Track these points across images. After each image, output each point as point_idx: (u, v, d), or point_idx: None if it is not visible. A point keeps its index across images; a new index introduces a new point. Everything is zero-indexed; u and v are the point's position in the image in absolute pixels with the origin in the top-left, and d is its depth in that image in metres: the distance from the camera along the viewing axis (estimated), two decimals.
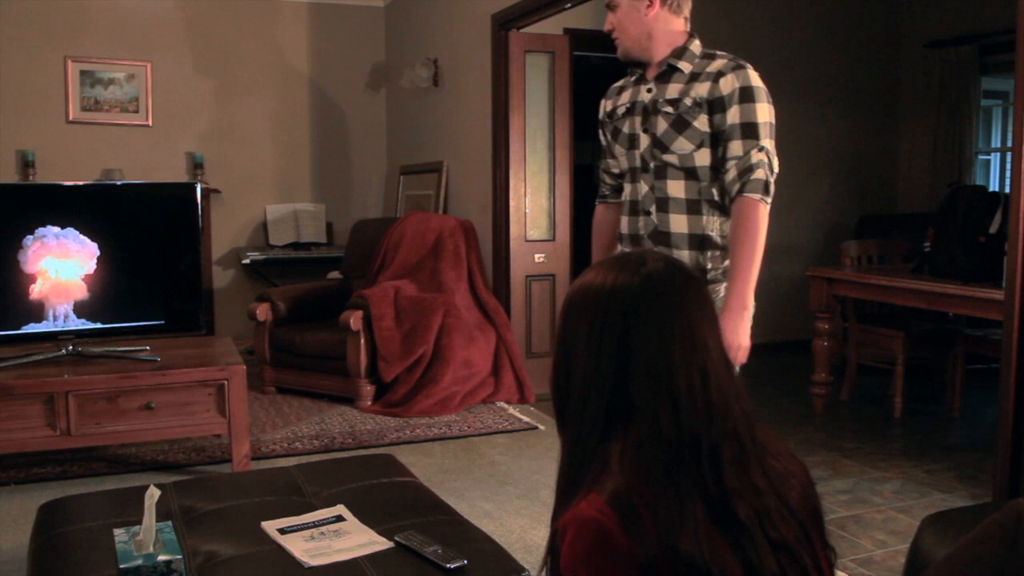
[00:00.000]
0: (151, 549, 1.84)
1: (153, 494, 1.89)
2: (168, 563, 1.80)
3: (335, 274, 6.02)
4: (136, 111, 6.16)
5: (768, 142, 2.17)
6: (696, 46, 2.29)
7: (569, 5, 4.73)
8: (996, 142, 6.39)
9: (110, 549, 1.90)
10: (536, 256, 5.20)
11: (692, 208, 2.23)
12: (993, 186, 6.25)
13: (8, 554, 2.90)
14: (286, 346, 5.02)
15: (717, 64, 2.21)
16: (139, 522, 1.91)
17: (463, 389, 4.75)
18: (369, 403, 4.76)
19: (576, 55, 5.30)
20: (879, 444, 4.17)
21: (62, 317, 3.63)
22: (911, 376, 4.69)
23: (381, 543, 1.99)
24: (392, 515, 2.15)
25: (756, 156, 2.14)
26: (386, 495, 2.32)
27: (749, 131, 2.15)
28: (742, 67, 2.19)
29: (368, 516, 2.13)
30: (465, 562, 1.90)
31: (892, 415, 4.59)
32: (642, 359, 1.13)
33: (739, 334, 2.11)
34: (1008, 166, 5.56)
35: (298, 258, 6.43)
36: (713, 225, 2.24)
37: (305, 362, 4.97)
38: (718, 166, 2.20)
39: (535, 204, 5.15)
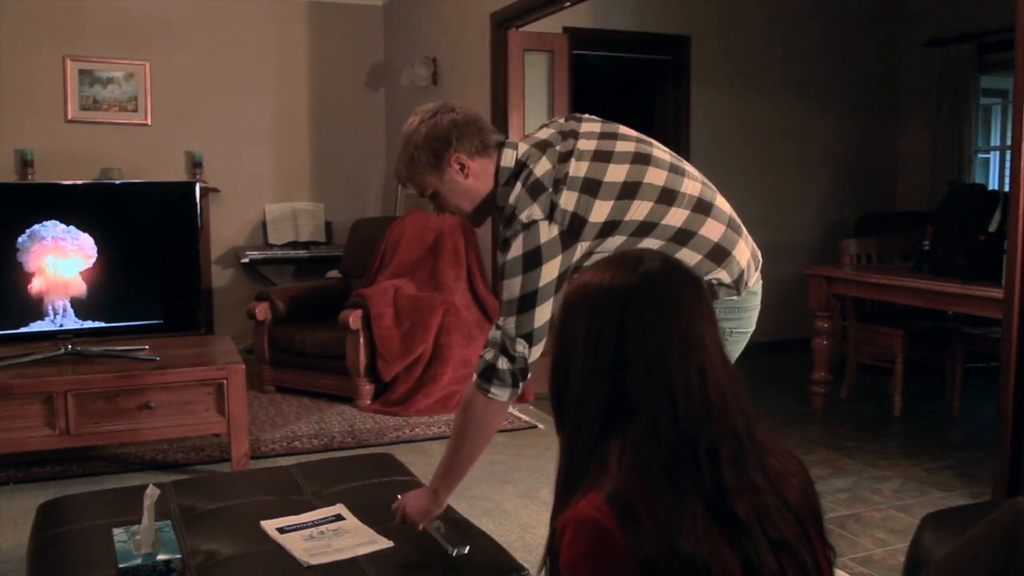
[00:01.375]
0: (150, 548, 1.84)
1: (152, 493, 1.88)
2: (167, 562, 1.80)
3: (334, 273, 6.01)
4: (135, 110, 6.15)
5: (511, 320, 1.85)
6: (503, 196, 1.93)
7: (568, 4, 4.73)
8: (996, 140, 6.39)
9: (109, 548, 1.90)
10: None
11: None
12: (992, 184, 6.25)
13: (7, 553, 2.90)
14: (285, 345, 5.02)
15: (511, 204, 1.89)
16: (138, 521, 1.91)
17: (462, 388, 4.74)
18: (368, 402, 4.76)
19: (575, 54, 5.29)
20: (879, 442, 4.17)
21: (61, 312, 3.62)
22: (911, 374, 4.68)
23: (380, 542, 1.99)
24: (391, 514, 2.15)
25: (492, 333, 1.91)
26: (385, 494, 2.32)
27: (500, 307, 1.91)
28: (509, 242, 1.87)
29: (367, 515, 2.13)
30: (467, 549, 1.92)
31: (892, 413, 4.59)
32: (640, 358, 1.13)
33: (416, 513, 1.96)
34: (1007, 164, 5.56)
35: (297, 257, 6.43)
36: None
37: (304, 361, 4.97)
38: None
39: None
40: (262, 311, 5.10)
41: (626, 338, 1.14)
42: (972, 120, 6.08)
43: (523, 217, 1.85)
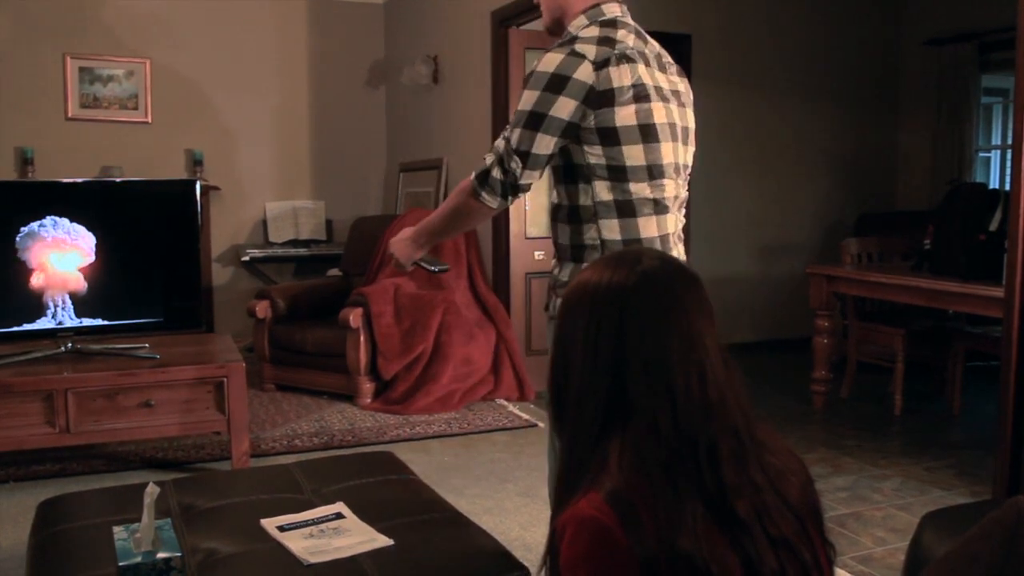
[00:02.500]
0: (150, 547, 1.84)
1: (152, 491, 1.88)
2: (167, 561, 1.80)
3: (334, 271, 6.01)
4: (135, 108, 6.15)
5: (516, 132, 1.89)
6: (577, 24, 1.97)
7: None
8: (996, 139, 6.39)
9: (109, 547, 1.90)
10: (536, 253, 5.20)
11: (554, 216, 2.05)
12: (993, 184, 6.24)
13: (7, 551, 2.90)
14: (285, 343, 5.02)
15: (573, 32, 1.96)
16: (138, 519, 1.91)
17: (463, 387, 4.75)
18: (369, 400, 4.76)
19: None
20: (879, 441, 4.17)
21: (60, 305, 3.62)
22: (911, 373, 4.68)
23: (380, 540, 1.99)
24: (392, 513, 2.15)
25: (496, 143, 1.95)
26: (385, 493, 2.32)
27: (513, 119, 1.94)
28: (550, 50, 1.92)
29: (367, 513, 2.13)
30: (447, 267, 2.25)
31: (892, 412, 4.59)
32: (639, 357, 1.13)
33: (403, 254, 2.12)
34: (1008, 163, 5.56)
35: (298, 255, 6.42)
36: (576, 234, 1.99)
37: (305, 359, 4.97)
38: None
39: (535, 201, 5.15)
40: (262, 309, 5.10)
41: (625, 337, 1.14)
42: (973, 119, 6.07)
43: (577, 47, 1.88)
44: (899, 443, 4.17)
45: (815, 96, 6.41)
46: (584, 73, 1.85)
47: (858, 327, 4.82)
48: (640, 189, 1.92)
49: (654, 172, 1.93)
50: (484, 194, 1.93)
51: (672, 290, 1.17)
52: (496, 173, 1.92)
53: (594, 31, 1.92)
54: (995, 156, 6.38)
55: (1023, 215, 2.72)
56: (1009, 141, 5.74)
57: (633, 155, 1.90)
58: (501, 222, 5.12)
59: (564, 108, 1.86)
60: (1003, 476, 2.85)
